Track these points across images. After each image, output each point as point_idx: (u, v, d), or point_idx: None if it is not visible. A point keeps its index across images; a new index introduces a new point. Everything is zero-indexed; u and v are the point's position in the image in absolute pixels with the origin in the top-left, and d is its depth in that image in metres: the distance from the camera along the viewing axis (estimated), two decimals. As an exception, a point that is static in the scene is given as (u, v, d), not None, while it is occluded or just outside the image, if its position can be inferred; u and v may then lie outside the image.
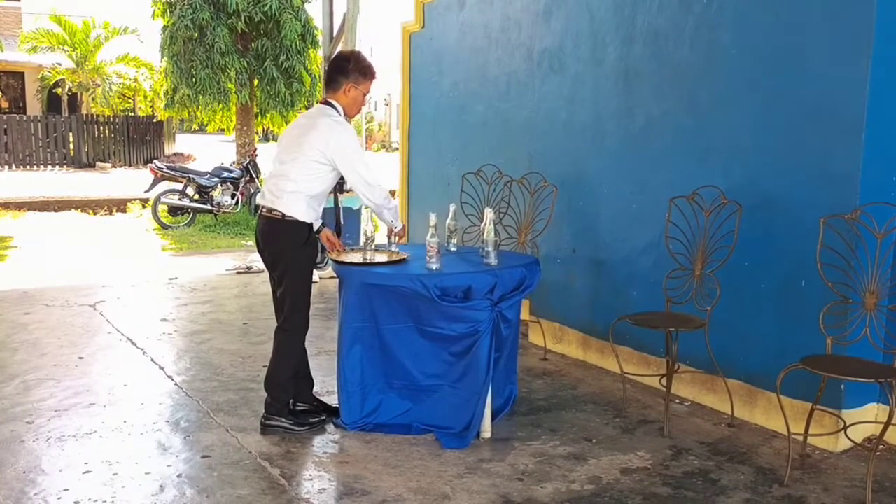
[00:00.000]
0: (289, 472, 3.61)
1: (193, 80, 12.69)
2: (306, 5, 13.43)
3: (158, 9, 13.30)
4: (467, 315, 3.90)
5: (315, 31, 13.33)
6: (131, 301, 7.05)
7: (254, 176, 12.71)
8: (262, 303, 7.05)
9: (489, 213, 4.19)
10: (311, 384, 4.32)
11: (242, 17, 12.65)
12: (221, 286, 7.67)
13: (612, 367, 5.09)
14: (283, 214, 3.88)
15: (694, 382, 4.57)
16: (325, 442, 3.97)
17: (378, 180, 3.98)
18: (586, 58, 5.24)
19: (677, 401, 4.56)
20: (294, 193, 3.87)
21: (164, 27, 13.11)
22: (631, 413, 4.42)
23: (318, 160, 3.87)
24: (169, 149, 24.95)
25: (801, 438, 3.79)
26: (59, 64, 23.34)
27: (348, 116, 4.08)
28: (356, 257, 4.21)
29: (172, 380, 4.86)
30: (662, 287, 4.44)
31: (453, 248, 4.54)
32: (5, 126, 20.71)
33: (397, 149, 35.92)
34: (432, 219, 4.05)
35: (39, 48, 22.46)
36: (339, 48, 8.98)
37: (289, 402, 4.15)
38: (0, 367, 5.00)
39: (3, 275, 8.14)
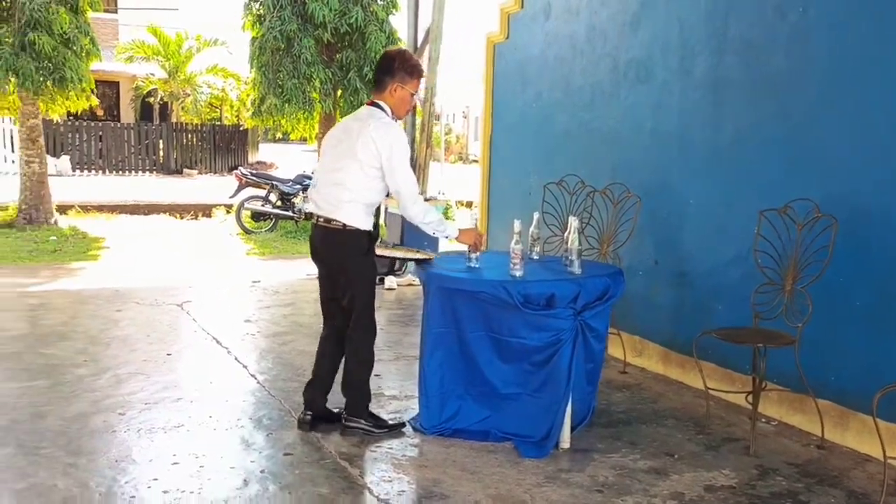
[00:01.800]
0: (368, 473, 3.65)
1: (280, 89, 13.01)
2: (391, 17, 13.64)
3: (248, 21, 13.69)
4: (549, 323, 3.87)
5: (399, 43, 13.48)
6: (216, 302, 7.26)
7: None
8: (342, 307, 7.16)
9: (574, 222, 4.16)
10: (326, 392, 4.19)
11: (329, 29, 12.90)
12: (302, 290, 7.82)
13: (693, 382, 4.97)
14: (345, 224, 3.85)
15: (781, 401, 4.42)
16: (404, 445, 3.99)
17: (418, 194, 3.92)
18: (674, 67, 5.16)
19: (763, 419, 4.42)
20: (351, 203, 3.85)
21: (254, 38, 13.47)
22: (714, 430, 4.30)
23: (373, 164, 3.81)
24: (252, 157, 25.62)
25: (897, 463, 3.62)
26: (152, 74, 24.27)
27: (396, 117, 4.00)
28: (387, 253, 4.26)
29: (255, 378, 4.98)
30: (749, 302, 4.31)
31: (536, 257, 4.52)
32: (101, 133, 21.65)
33: (474, 161, 35.95)
34: (517, 226, 4.03)
35: (135, 58, 23.40)
36: (424, 60, 9.10)
37: (367, 404, 4.18)
38: (94, 361, 5.21)
39: (96, 273, 8.51)
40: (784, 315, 4.11)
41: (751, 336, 4.15)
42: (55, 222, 11.80)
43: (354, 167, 3.83)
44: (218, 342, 5.78)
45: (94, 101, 12.55)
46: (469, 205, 17.13)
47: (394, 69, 3.93)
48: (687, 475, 3.70)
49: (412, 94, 4.00)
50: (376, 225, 4.04)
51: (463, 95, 33.75)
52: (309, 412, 4.12)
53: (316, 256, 4.06)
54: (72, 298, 7.12)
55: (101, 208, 14.03)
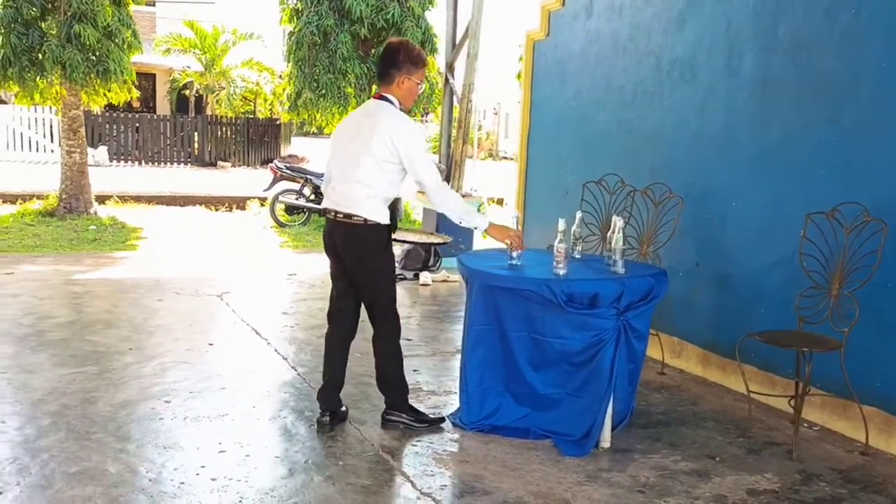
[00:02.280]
0: (410, 467, 3.68)
1: (316, 84, 13.09)
2: (427, 13, 13.64)
3: (285, 15, 13.79)
4: (592, 323, 3.88)
5: (434, 39, 13.51)
6: (254, 293, 7.34)
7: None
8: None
9: (619, 222, 4.15)
10: (340, 389, 4.18)
11: (365, 24, 12.96)
12: (338, 284, 7.87)
13: (733, 384, 4.95)
14: (366, 219, 3.83)
15: (824, 406, 4.39)
16: (445, 440, 4.02)
17: (441, 182, 3.92)
18: (720, 68, 5.13)
19: (805, 424, 4.38)
20: (370, 198, 3.83)
21: (291, 33, 13.55)
22: (755, 434, 4.28)
23: (390, 160, 3.81)
24: (284, 150, 25.81)
25: (945, 472, 3.59)
26: (188, 67, 24.53)
27: (404, 108, 3.99)
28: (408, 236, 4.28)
29: (295, 370, 5.03)
30: (793, 305, 4.28)
31: (577, 256, 4.51)
32: (137, 124, 21.93)
33: (505, 158, 35.66)
34: (561, 224, 4.04)
35: (172, 51, 23.67)
36: (462, 55, 9.12)
37: (406, 397, 4.20)
38: (139, 349, 5.31)
39: (136, 263, 8.65)
40: (830, 319, 4.08)
41: (796, 340, 4.12)
42: (94, 212, 11.97)
43: (371, 163, 3.82)
44: (258, 333, 5.85)
45: (136, 93, 12.73)
46: (500, 202, 17.12)
47: (399, 62, 3.91)
48: (729, 478, 3.69)
49: (418, 84, 3.98)
50: (394, 219, 4.03)
51: (494, 92, 33.70)
52: (327, 413, 4.09)
53: (333, 252, 4.02)
54: (114, 287, 7.25)
55: (138, 199, 14.23)
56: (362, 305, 4.13)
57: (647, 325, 4.19)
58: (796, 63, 4.57)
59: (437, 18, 14.11)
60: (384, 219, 3.89)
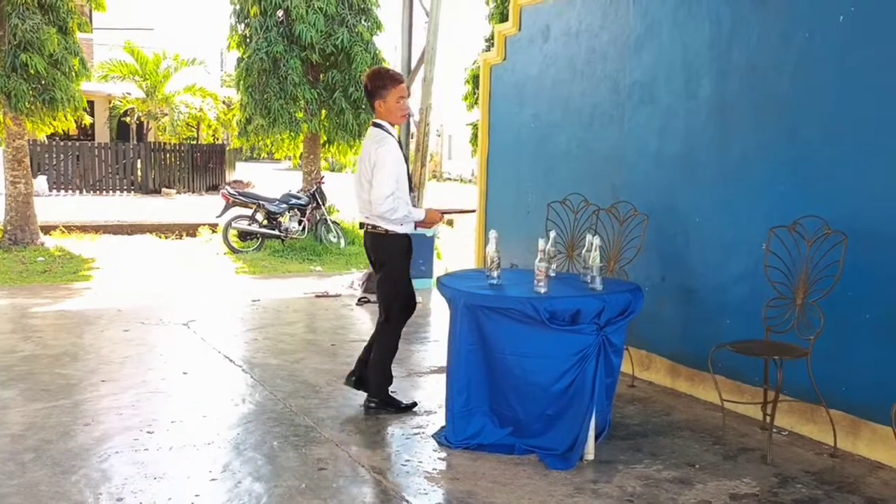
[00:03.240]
0: (403, 486, 3.73)
1: (267, 110, 13.04)
2: (375, 38, 13.76)
3: (233, 42, 13.73)
4: (574, 339, 3.99)
5: (383, 63, 13.59)
6: (221, 321, 7.28)
7: (320, 203, 13.01)
8: (346, 325, 7.23)
9: (595, 240, 4.29)
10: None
11: (315, 50, 13.00)
12: (303, 309, 7.87)
13: (702, 394, 5.12)
14: (387, 230, 4.55)
15: (792, 412, 4.58)
16: (433, 459, 4.08)
17: (390, 200, 4.37)
18: (679, 90, 5.34)
19: (775, 430, 4.56)
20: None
21: (240, 59, 13.49)
22: (729, 440, 4.44)
23: None
24: (229, 176, 25.53)
25: (911, 469, 3.79)
26: (128, 93, 24.13)
27: (395, 124, 4.62)
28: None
29: (274, 395, 5.02)
30: (761, 316, 4.48)
31: (552, 274, 4.62)
32: (77, 153, 21.47)
33: (448, 179, 35.72)
34: (541, 244, 4.16)
35: (111, 77, 23.27)
36: (418, 81, 9.25)
37: (388, 388, 4.77)
38: (112, 381, 5.23)
39: (94, 294, 8.48)
40: (795, 328, 4.27)
41: (766, 349, 4.30)
42: (42, 243, 11.70)
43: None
44: (231, 360, 5.82)
45: (87, 119, 12.52)
46: (451, 223, 17.28)
47: (370, 91, 4.58)
48: (710, 484, 3.83)
49: (397, 100, 4.56)
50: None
51: (437, 115, 33.93)
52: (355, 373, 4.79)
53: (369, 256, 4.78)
54: (76, 319, 7.11)
55: (84, 228, 13.91)
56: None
57: (623, 340, 4.32)
58: (752, 85, 4.81)
59: (385, 43, 14.26)
60: (402, 229, 4.54)
